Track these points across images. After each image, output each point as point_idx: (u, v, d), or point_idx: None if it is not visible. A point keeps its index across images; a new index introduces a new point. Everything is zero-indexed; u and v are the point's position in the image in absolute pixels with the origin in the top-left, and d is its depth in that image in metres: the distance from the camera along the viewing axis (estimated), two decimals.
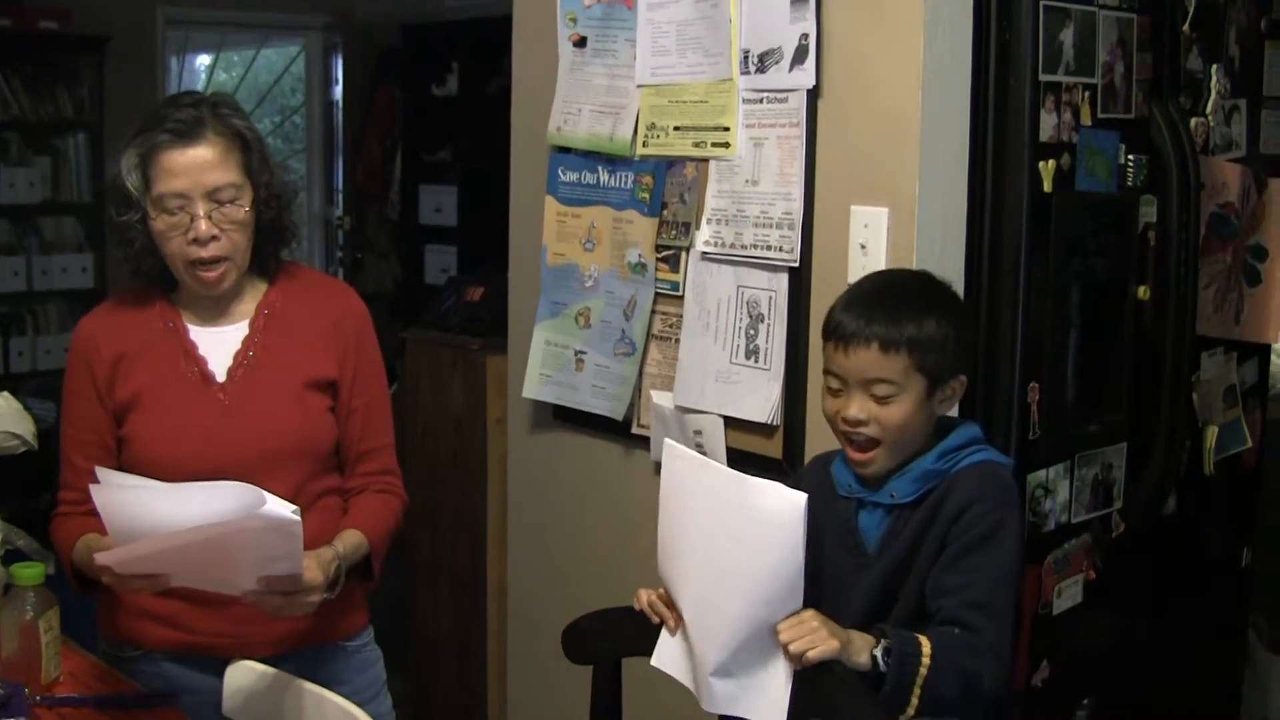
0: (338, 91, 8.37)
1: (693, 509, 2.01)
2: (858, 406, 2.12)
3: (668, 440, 2.09)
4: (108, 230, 2.40)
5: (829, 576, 2.23)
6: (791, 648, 1.89)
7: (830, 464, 2.27)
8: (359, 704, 2.22)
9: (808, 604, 2.06)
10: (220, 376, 2.40)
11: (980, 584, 2.04)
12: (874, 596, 2.15)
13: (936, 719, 2.04)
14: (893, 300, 2.15)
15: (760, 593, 1.93)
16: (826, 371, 2.18)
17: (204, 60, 8.53)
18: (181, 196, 2.29)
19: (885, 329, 2.10)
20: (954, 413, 2.30)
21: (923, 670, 1.93)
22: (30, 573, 2.30)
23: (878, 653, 1.93)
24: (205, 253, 2.31)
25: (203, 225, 2.29)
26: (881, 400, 2.11)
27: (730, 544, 1.94)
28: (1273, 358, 3.48)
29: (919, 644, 1.95)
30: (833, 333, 2.16)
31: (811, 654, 1.88)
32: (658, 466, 3.03)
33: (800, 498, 1.87)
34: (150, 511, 2.02)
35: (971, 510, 2.07)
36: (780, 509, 1.88)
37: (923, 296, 2.19)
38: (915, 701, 1.94)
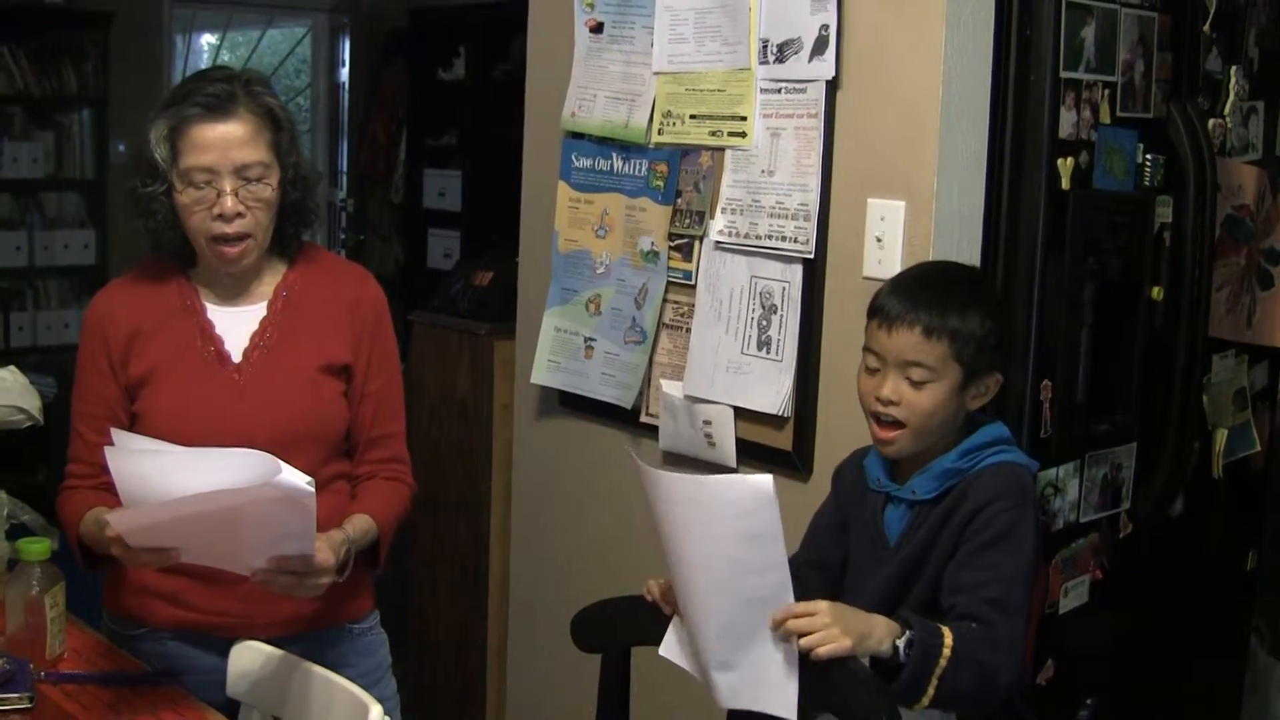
0: (344, 74, 8.35)
1: (672, 517, 2.01)
2: (891, 387, 2.15)
3: (642, 465, 2.06)
4: (130, 201, 2.37)
5: (852, 565, 2.27)
6: (802, 642, 1.89)
7: (865, 457, 2.29)
8: (364, 687, 2.22)
9: (831, 590, 2.07)
10: (236, 357, 2.38)
11: (996, 581, 2.04)
12: (889, 588, 2.17)
13: (951, 711, 2.05)
14: (941, 289, 2.18)
15: (748, 582, 1.93)
16: (866, 349, 2.21)
17: (209, 39, 8.49)
18: (209, 171, 2.28)
19: (930, 315, 2.13)
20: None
21: (942, 662, 1.93)
22: (37, 548, 2.30)
23: (900, 643, 1.94)
24: (229, 229, 2.30)
25: (229, 202, 2.28)
26: (916, 384, 2.14)
27: (712, 543, 1.94)
28: None
29: (941, 635, 1.95)
30: (877, 312, 2.19)
31: (821, 650, 1.88)
32: (666, 455, 3.04)
33: (767, 480, 1.88)
34: (164, 476, 2.00)
35: (987, 510, 2.09)
36: (751, 497, 1.89)
37: (970, 290, 2.22)
38: (931, 692, 1.94)
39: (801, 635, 1.92)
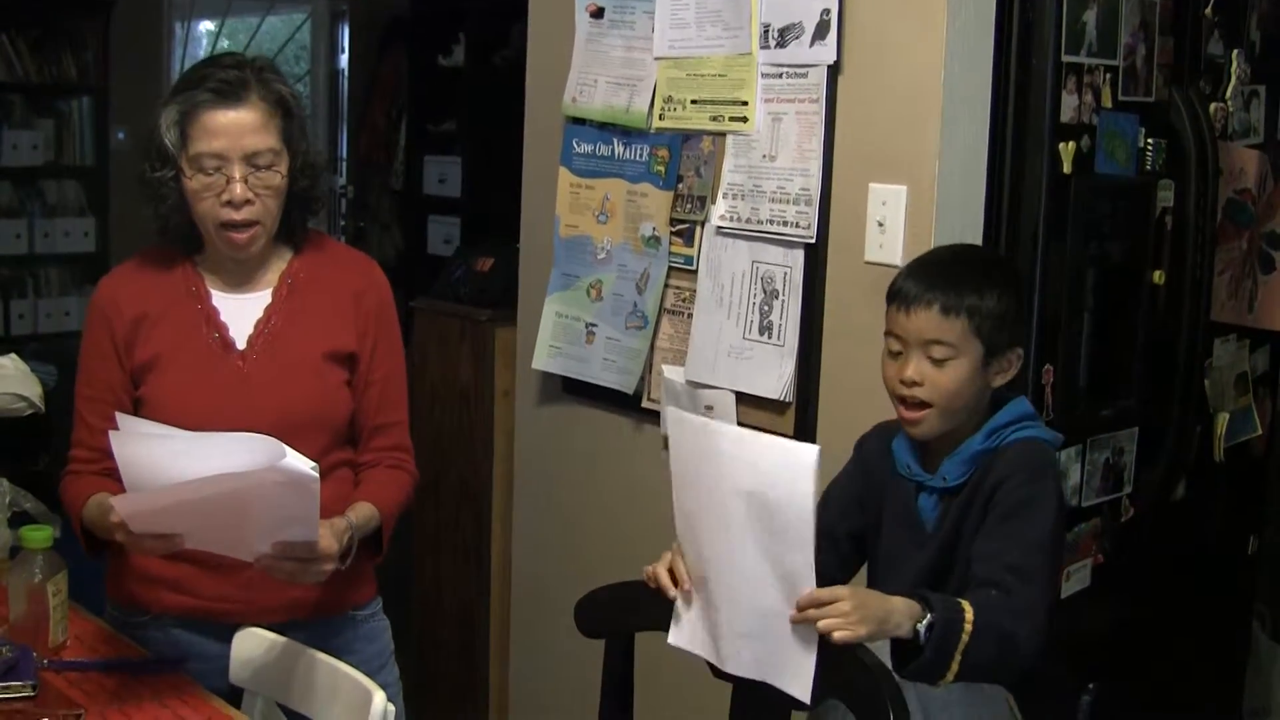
0: (343, 60, 8.34)
1: (706, 473, 2.02)
2: (914, 368, 2.16)
3: (671, 408, 2.10)
4: (138, 186, 2.37)
5: (885, 550, 2.28)
6: (820, 625, 1.89)
7: (893, 439, 2.30)
8: (367, 673, 2.22)
9: (840, 561, 2.21)
10: (240, 344, 2.38)
11: (1015, 549, 2.06)
12: (925, 573, 2.18)
13: (975, 683, 2.05)
14: (956, 269, 2.21)
15: (773, 551, 1.93)
16: (888, 333, 2.22)
17: (208, 26, 8.48)
18: (219, 157, 2.27)
19: (946, 295, 2.15)
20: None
21: (964, 637, 1.93)
22: (39, 536, 2.29)
23: (921, 627, 1.93)
24: (238, 215, 2.29)
25: (238, 188, 2.27)
26: (938, 363, 2.15)
27: (744, 502, 1.94)
28: None
29: (962, 610, 1.95)
30: (895, 296, 2.21)
31: (837, 636, 1.88)
32: (667, 441, 3.03)
33: (811, 451, 1.88)
34: (168, 460, 2.00)
35: (1007, 483, 2.11)
36: (792, 463, 1.89)
37: (986, 269, 2.24)
38: (955, 668, 1.94)
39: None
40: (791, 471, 1.88)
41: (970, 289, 2.15)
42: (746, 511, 1.94)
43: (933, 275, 2.18)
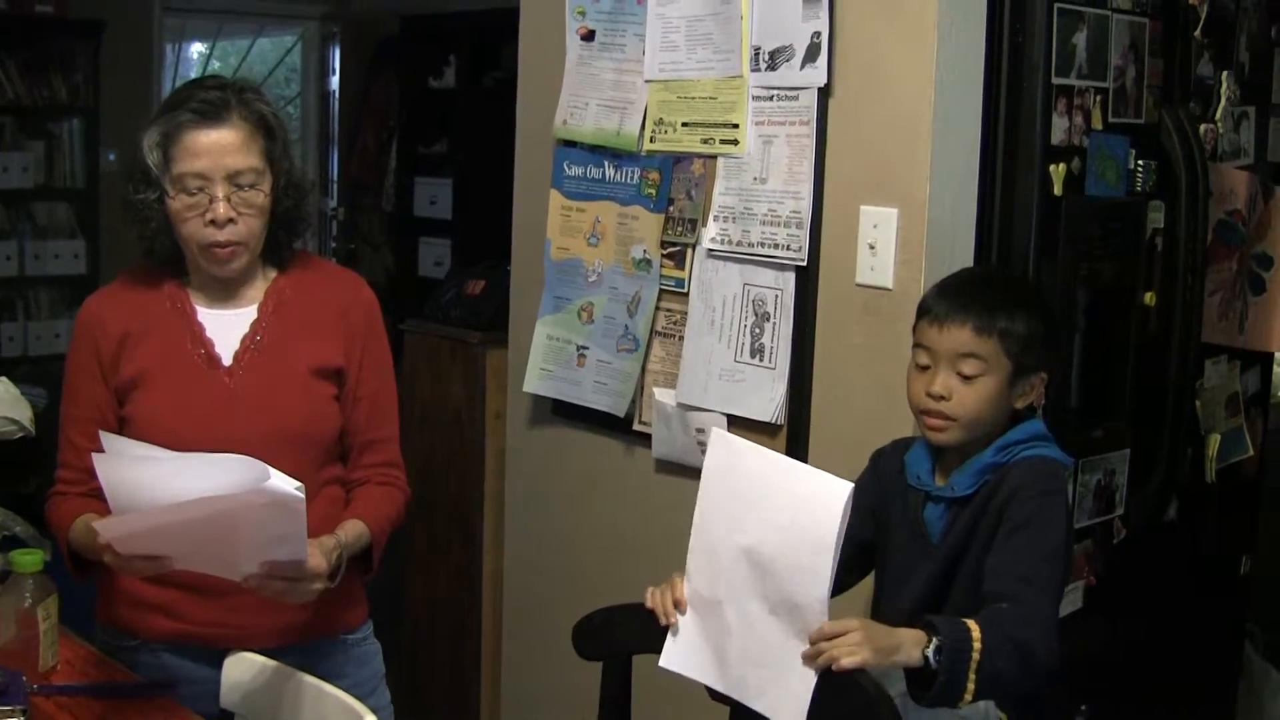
0: (334, 82, 8.35)
1: (738, 495, 2.04)
2: (942, 382, 2.20)
3: (715, 429, 2.13)
4: (123, 208, 2.37)
5: (893, 561, 2.30)
6: (826, 656, 1.90)
7: (908, 452, 2.32)
8: (358, 697, 2.21)
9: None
10: (226, 360, 2.37)
11: (1024, 561, 2.08)
12: (933, 584, 2.21)
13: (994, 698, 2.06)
14: (985, 291, 2.26)
15: (792, 579, 1.95)
16: (917, 346, 2.25)
17: (199, 49, 8.49)
18: (202, 178, 2.27)
19: (979, 316, 2.19)
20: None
21: (975, 656, 1.94)
22: (29, 560, 2.28)
23: (929, 652, 1.94)
24: (221, 235, 2.29)
25: (221, 208, 2.27)
26: (967, 379, 2.19)
27: (773, 530, 1.96)
28: (1275, 367, 3.49)
29: (968, 629, 1.96)
30: (926, 312, 2.25)
31: (844, 663, 1.90)
32: (659, 464, 3.04)
33: (845, 487, 1.90)
34: (153, 482, 1.99)
35: (1018, 497, 2.13)
36: (824, 497, 1.92)
37: (1014, 292, 2.30)
38: (972, 686, 1.94)
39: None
40: (822, 505, 1.91)
41: (1001, 312, 2.19)
42: (773, 539, 1.96)
43: (966, 295, 2.23)
